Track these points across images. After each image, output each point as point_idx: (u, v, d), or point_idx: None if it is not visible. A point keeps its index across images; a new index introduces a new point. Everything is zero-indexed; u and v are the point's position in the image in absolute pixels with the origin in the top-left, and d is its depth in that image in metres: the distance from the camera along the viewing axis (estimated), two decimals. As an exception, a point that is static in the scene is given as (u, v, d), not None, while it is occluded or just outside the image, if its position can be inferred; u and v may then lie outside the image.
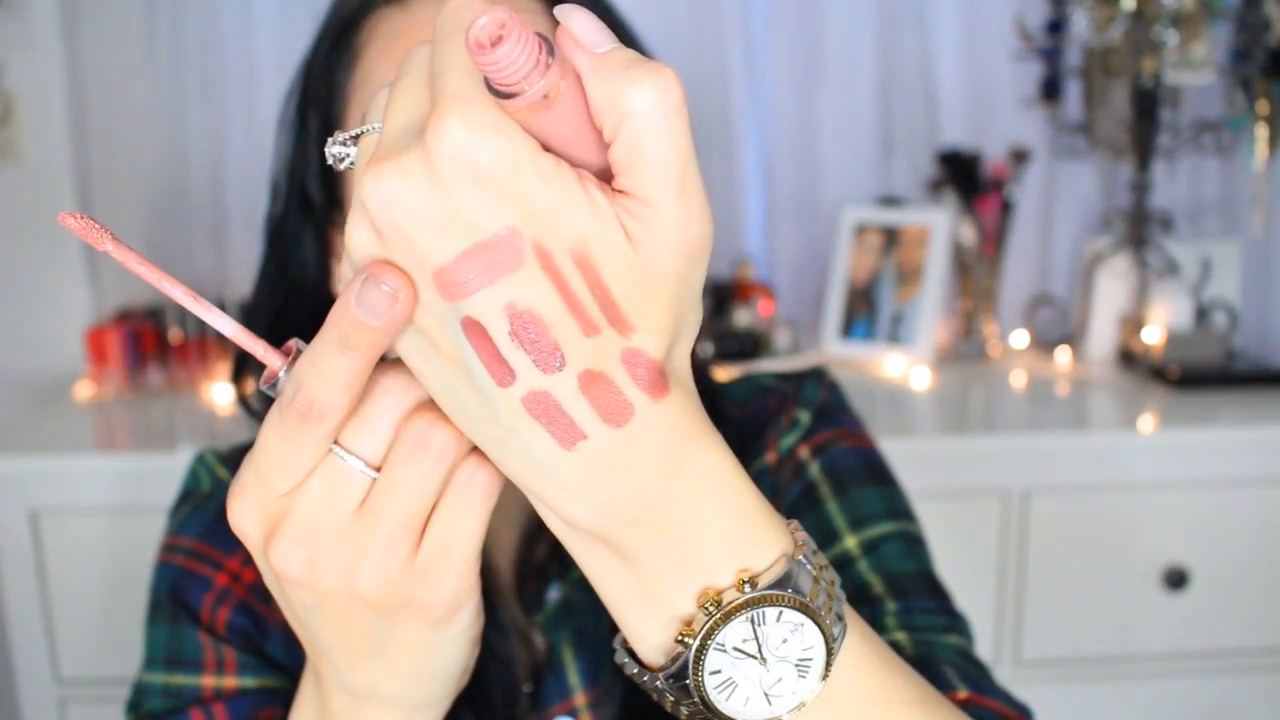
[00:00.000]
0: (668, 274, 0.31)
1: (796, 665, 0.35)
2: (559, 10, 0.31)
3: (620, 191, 0.31)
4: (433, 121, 0.29)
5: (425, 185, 0.30)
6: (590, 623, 0.63)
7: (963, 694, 0.54)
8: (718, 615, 0.34)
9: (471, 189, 0.30)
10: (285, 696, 0.61)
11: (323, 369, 0.33)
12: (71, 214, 0.33)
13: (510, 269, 0.30)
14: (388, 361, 0.35)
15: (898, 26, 1.76)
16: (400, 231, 0.30)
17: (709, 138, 1.76)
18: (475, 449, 0.36)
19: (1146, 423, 1.38)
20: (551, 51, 0.30)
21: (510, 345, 0.31)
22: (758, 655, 0.35)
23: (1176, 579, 1.33)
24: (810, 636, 0.35)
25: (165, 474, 1.02)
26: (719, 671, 0.35)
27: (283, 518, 0.36)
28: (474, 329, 0.31)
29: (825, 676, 0.36)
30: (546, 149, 0.31)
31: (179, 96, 1.70)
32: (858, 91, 1.77)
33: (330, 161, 0.35)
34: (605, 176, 0.32)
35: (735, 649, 0.34)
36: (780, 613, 0.34)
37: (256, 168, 1.69)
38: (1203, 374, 1.53)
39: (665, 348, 0.33)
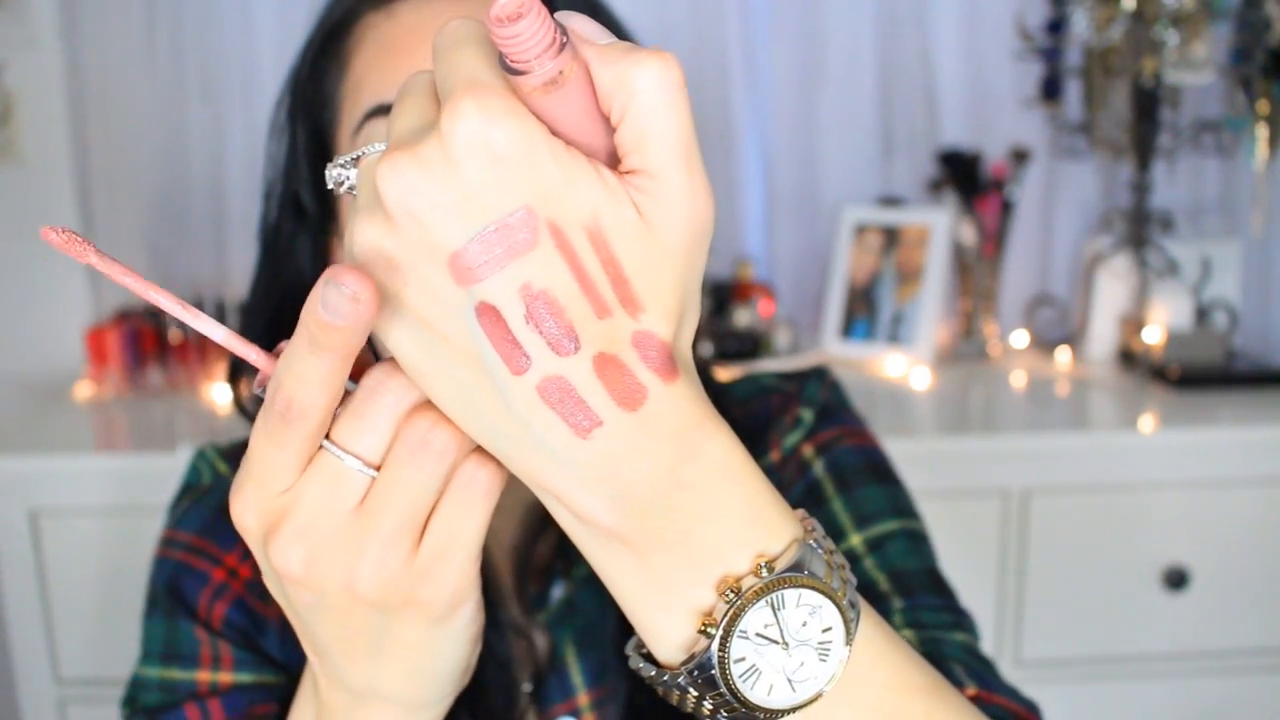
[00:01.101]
0: (676, 251, 0.32)
1: (817, 648, 0.35)
2: (558, 15, 0.32)
3: (629, 172, 0.32)
4: (448, 107, 0.30)
5: (441, 170, 0.30)
6: (594, 622, 0.63)
7: (971, 690, 0.54)
8: (739, 601, 0.34)
9: (486, 170, 0.30)
10: (281, 693, 0.61)
11: (297, 370, 0.34)
12: (53, 229, 0.33)
13: (525, 248, 0.31)
14: (387, 359, 0.35)
15: (898, 26, 1.76)
16: (415, 219, 0.31)
17: (709, 137, 1.76)
18: (477, 448, 0.36)
19: (1147, 423, 1.38)
20: (566, 34, 0.31)
21: (525, 329, 0.31)
22: (780, 640, 0.35)
23: (1176, 579, 1.33)
24: (829, 617, 0.35)
25: (165, 474, 1.02)
26: (743, 659, 0.35)
27: (282, 516, 0.36)
28: (488, 314, 0.31)
29: (846, 657, 0.36)
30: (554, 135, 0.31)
31: (179, 96, 1.70)
32: (858, 91, 1.77)
33: (330, 185, 0.35)
34: (610, 165, 0.33)
35: (758, 635, 0.34)
36: (800, 595, 0.35)
37: (256, 168, 1.68)
38: (1203, 374, 1.53)
39: (673, 330, 0.33)
